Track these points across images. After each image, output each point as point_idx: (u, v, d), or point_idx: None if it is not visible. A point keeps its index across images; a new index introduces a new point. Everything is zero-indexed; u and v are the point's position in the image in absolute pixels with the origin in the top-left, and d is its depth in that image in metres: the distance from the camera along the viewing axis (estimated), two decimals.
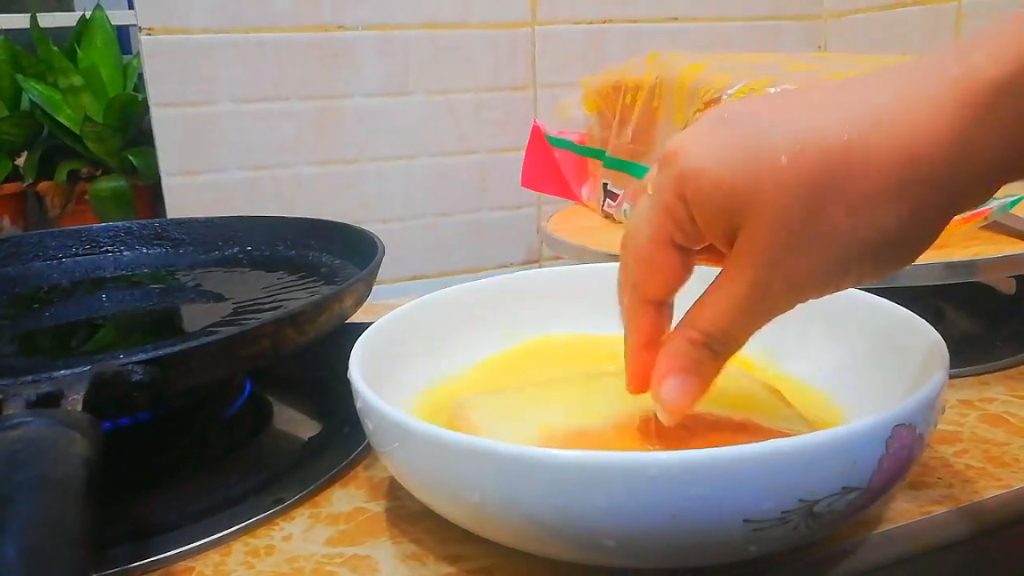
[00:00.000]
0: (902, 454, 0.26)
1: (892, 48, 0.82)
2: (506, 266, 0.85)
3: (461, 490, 0.26)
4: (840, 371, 0.37)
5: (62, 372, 0.29)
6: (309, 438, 0.41)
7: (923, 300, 0.37)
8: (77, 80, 0.73)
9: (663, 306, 0.28)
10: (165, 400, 0.32)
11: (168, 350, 0.31)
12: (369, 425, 0.30)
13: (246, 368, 0.37)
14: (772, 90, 0.42)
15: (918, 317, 0.35)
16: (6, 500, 0.18)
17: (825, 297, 0.40)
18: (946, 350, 0.31)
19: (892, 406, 0.26)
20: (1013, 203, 0.47)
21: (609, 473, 0.24)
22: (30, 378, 0.29)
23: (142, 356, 0.30)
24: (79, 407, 0.26)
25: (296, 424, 0.45)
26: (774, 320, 0.41)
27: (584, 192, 0.69)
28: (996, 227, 0.48)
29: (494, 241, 0.83)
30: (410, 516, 0.34)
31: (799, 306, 0.42)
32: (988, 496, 0.33)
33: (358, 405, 0.31)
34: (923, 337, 0.33)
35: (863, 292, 0.39)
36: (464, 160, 0.80)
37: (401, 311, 0.39)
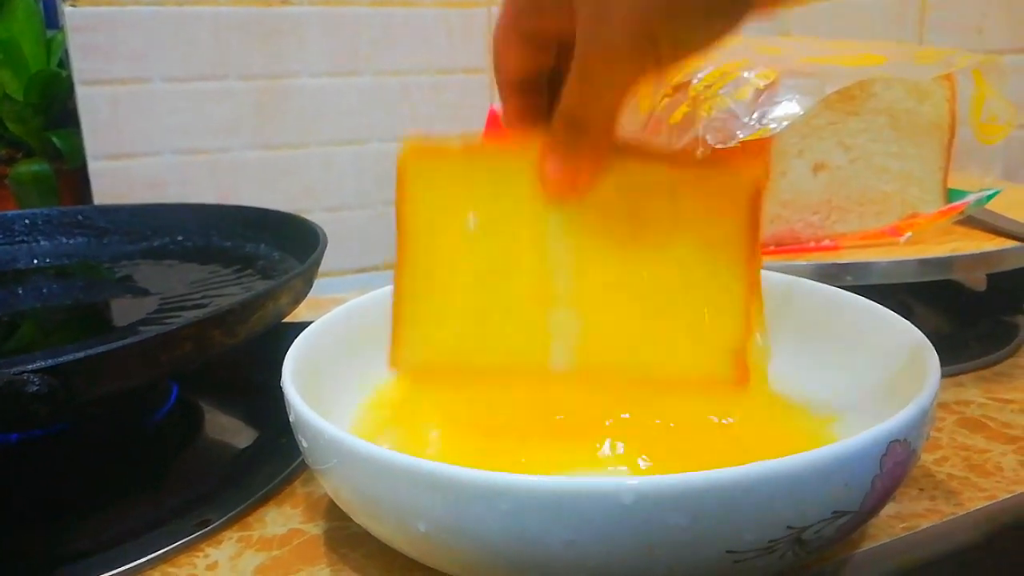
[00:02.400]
0: (896, 472, 0.24)
1: (855, 36, 0.81)
2: None
3: (406, 518, 0.23)
4: (818, 380, 0.35)
5: None
6: (242, 449, 0.37)
7: (891, 297, 0.35)
8: None
9: (526, 90, 0.28)
10: (70, 412, 0.28)
11: (70, 356, 0.27)
12: (303, 442, 0.27)
13: (167, 373, 0.33)
14: (746, 74, 0.39)
15: (899, 316, 0.33)
16: None
17: (795, 296, 0.38)
18: (935, 353, 0.29)
19: (881, 418, 0.24)
20: (988, 197, 0.46)
21: (577, 501, 0.21)
22: None
23: (39, 364, 0.26)
24: None
25: (229, 433, 0.41)
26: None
27: None
28: (971, 222, 0.46)
29: None
30: (351, 539, 0.30)
31: (769, 309, 0.40)
32: (974, 508, 0.31)
33: (291, 418, 0.28)
34: (907, 338, 0.31)
35: (836, 289, 0.36)
36: None
37: (342, 311, 0.35)
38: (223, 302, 0.33)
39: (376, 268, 0.78)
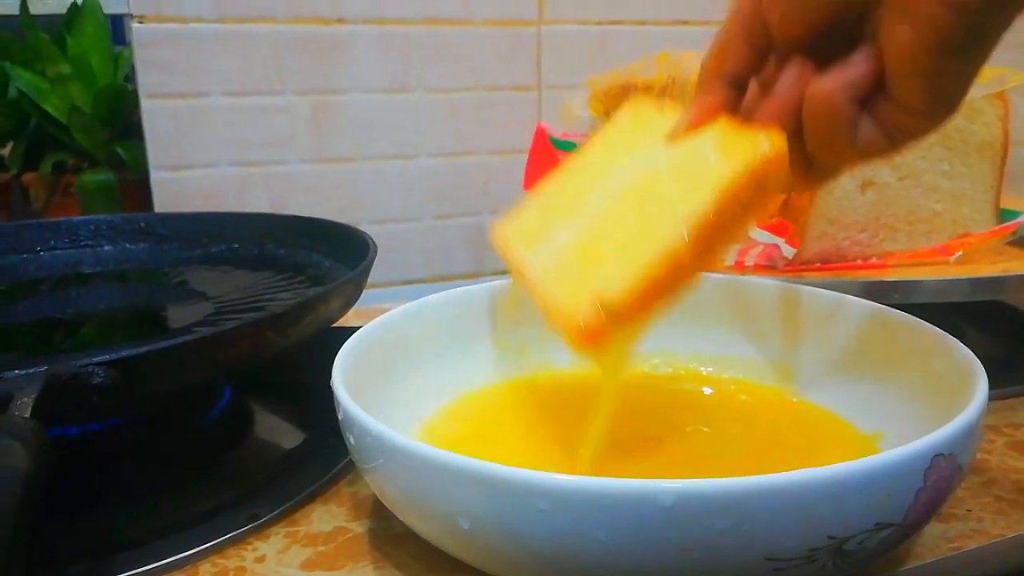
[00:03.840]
0: (940, 487, 0.24)
1: None
2: (506, 272, 0.82)
3: (449, 515, 0.24)
4: (865, 397, 0.34)
5: (12, 372, 0.26)
6: (290, 449, 0.39)
7: (943, 320, 0.35)
8: (66, 69, 0.70)
9: (729, 85, 0.28)
10: (132, 405, 0.29)
11: (133, 351, 0.29)
12: (351, 439, 0.28)
13: (223, 372, 0.34)
14: None
15: (948, 335, 0.33)
16: None
17: (843, 312, 0.38)
18: (983, 370, 0.29)
19: (927, 434, 0.24)
20: None
21: (617, 502, 0.21)
22: None
23: (104, 357, 0.28)
24: (27, 412, 0.24)
25: (278, 433, 0.42)
26: (790, 343, 0.40)
27: None
28: (1022, 243, 0.45)
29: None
30: (394, 538, 0.31)
31: (816, 326, 0.40)
32: (1022, 531, 0.31)
33: (339, 416, 0.28)
34: (955, 356, 0.31)
35: (884, 307, 0.36)
36: (465, 161, 0.77)
37: (392, 315, 0.36)
38: (276, 306, 0.34)
39: (421, 280, 0.79)
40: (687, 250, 0.26)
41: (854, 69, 0.25)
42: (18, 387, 0.25)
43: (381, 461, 0.26)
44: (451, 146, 0.76)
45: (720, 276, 0.41)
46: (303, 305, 0.34)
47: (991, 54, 0.24)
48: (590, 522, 0.21)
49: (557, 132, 0.68)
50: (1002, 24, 0.23)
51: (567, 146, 0.67)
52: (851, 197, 0.43)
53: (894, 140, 0.26)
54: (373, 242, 0.45)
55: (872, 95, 0.25)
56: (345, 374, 0.30)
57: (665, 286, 0.26)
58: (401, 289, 0.77)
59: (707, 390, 0.39)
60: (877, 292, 0.40)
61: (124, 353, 0.28)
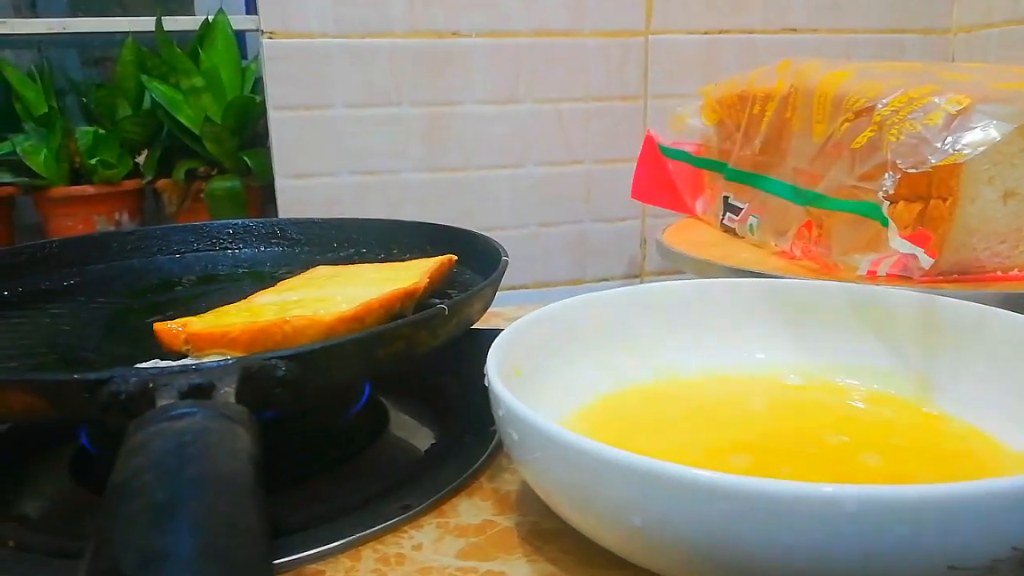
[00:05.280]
0: None
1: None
2: (606, 279, 0.83)
3: (621, 512, 0.25)
4: (1012, 412, 0.34)
5: (209, 363, 0.28)
6: (431, 444, 0.40)
7: None
8: (199, 81, 0.75)
9: None
10: (304, 398, 0.31)
11: (310, 347, 0.31)
12: (513, 435, 0.29)
13: (379, 369, 0.36)
14: (936, 100, 0.39)
15: None
16: (182, 498, 0.18)
17: (987, 325, 0.37)
18: None
19: None
20: None
21: (799, 505, 0.21)
22: (176, 366, 0.28)
23: (285, 352, 0.30)
24: (231, 399, 0.26)
25: (413, 430, 0.44)
26: (928, 355, 0.39)
27: (699, 205, 0.67)
28: None
29: (595, 253, 0.82)
30: (544, 534, 0.32)
31: (957, 338, 0.39)
32: None
33: (499, 413, 0.30)
34: None
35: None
36: (570, 170, 0.79)
37: (542, 313, 0.38)
38: (431, 309, 0.36)
39: (524, 286, 0.80)
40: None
41: None
42: (218, 378, 0.27)
43: (538, 455, 0.27)
44: (557, 155, 0.77)
45: (852, 286, 0.41)
46: (455, 307, 0.36)
47: None
48: (773, 525, 0.22)
49: (667, 140, 0.69)
50: None
51: (677, 155, 0.68)
52: (992, 207, 0.42)
53: None
54: (502, 247, 0.47)
55: None
56: (500, 367, 0.31)
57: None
58: (506, 294, 0.79)
59: (842, 401, 0.39)
60: (1019, 304, 0.39)
61: (301, 349, 0.31)
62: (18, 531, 0.34)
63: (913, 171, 0.37)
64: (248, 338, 0.33)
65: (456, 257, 0.47)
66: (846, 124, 0.43)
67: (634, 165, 0.70)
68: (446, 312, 0.35)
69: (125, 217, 0.78)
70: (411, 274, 0.42)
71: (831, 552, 0.22)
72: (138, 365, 0.32)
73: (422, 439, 0.42)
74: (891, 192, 0.38)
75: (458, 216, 0.75)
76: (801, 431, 0.36)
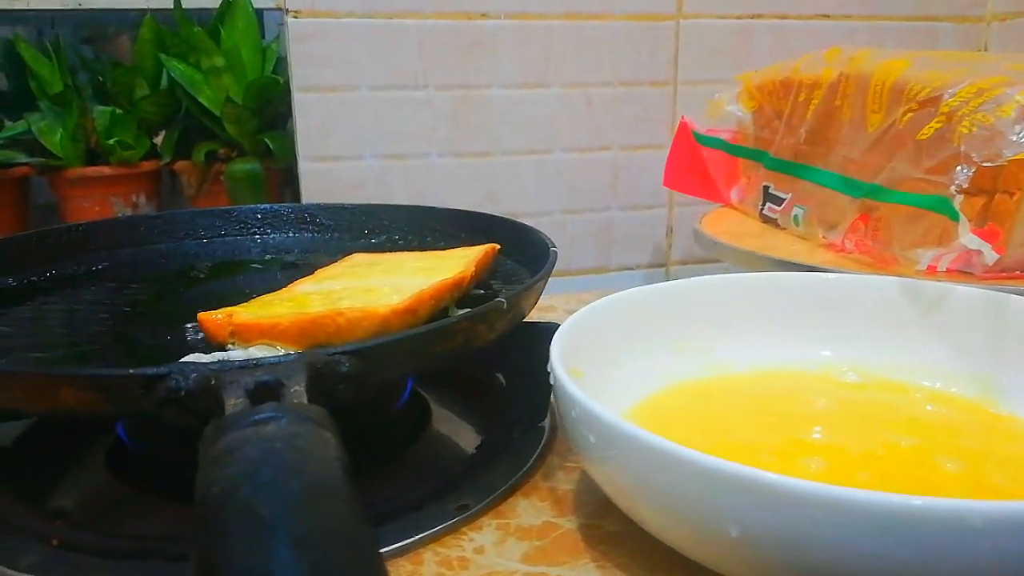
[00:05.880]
0: None
1: None
2: (631, 268, 0.82)
3: (716, 522, 0.23)
4: None
5: (271, 358, 0.27)
6: (479, 442, 0.39)
7: None
8: (219, 61, 0.73)
9: None
10: (361, 395, 0.30)
11: (372, 343, 0.30)
12: (590, 437, 0.28)
13: (435, 364, 0.35)
14: (1008, 91, 0.38)
15: None
16: (287, 514, 0.16)
17: None
18: None
19: None
20: None
21: (922, 520, 0.20)
22: (237, 362, 0.27)
23: (348, 347, 0.29)
24: (303, 399, 0.25)
25: (455, 426, 0.42)
26: (995, 354, 0.38)
27: (734, 194, 0.65)
28: None
29: (621, 241, 0.80)
30: (609, 537, 0.31)
31: (1020, 330, 0.38)
32: None
33: (573, 413, 0.29)
34: None
35: None
36: (597, 156, 0.77)
37: (596, 308, 0.36)
38: (491, 303, 0.35)
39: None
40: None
41: None
42: (285, 375, 0.26)
43: (614, 453, 0.26)
44: (584, 141, 0.76)
45: (913, 281, 0.40)
46: (513, 301, 0.34)
47: None
48: (891, 540, 0.21)
49: (701, 127, 0.67)
50: None
51: (712, 142, 0.66)
52: None
53: None
54: (549, 238, 0.45)
55: None
56: (563, 360, 0.30)
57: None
58: None
59: (904, 400, 0.38)
60: None
61: (364, 344, 0.29)
62: (61, 529, 0.33)
63: (988, 164, 0.36)
64: (297, 330, 0.32)
65: (499, 246, 0.46)
66: (909, 114, 0.41)
67: (662, 152, 0.68)
68: (504, 306, 0.34)
69: (143, 199, 0.76)
70: (455, 263, 0.41)
71: (952, 567, 0.21)
72: (189, 358, 0.30)
73: (466, 435, 0.41)
74: (964, 186, 0.36)
75: (482, 201, 0.73)
76: (868, 432, 0.35)
